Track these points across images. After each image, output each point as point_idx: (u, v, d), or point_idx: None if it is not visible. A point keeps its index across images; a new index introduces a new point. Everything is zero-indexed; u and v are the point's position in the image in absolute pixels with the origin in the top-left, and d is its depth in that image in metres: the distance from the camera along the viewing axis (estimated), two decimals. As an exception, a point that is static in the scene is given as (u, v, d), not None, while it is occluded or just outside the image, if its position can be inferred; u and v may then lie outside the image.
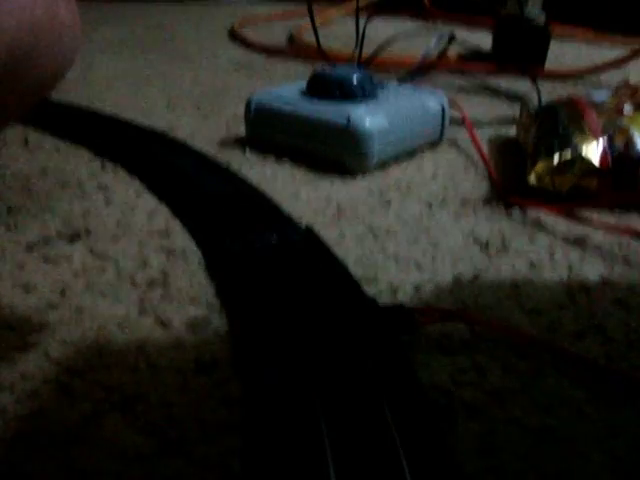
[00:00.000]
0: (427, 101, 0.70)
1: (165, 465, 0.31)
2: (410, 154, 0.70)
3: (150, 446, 0.32)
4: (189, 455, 0.31)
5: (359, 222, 0.55)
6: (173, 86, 1.00)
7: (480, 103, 0.92)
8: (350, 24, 1.21)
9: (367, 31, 0.91)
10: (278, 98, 0.69)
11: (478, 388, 0.36)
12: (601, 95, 0.67)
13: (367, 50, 0.95)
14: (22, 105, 0.50)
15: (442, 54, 0.97)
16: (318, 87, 0.68)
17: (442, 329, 0.41)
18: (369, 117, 0.63)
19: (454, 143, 0.75)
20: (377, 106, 0.66)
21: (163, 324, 0.41)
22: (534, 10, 1.09)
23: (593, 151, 0.58)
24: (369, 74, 0.70)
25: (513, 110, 0.86)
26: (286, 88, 0.73)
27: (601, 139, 0.58)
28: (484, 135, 0.77)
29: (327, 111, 0.65)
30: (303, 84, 0.71)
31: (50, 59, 0.47)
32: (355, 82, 0.67)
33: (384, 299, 0.44)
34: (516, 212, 0.57)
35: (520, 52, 1.06)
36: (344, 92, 0.67)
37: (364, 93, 0.67)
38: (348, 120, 0.62)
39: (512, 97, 0.93)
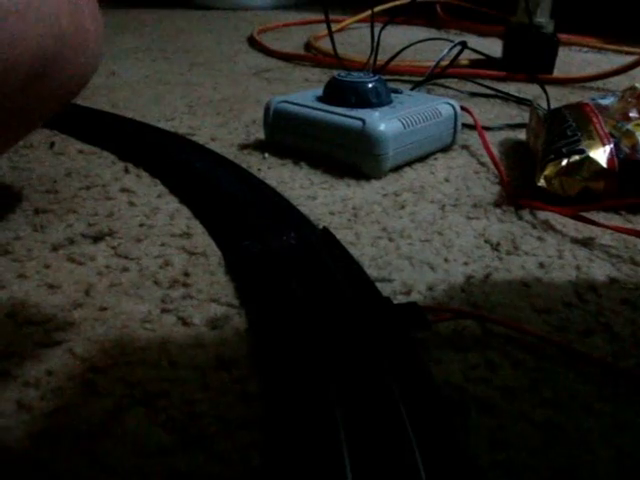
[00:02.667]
0: (440, 107, 0.70)
1: (186, 459, 0.31)
2: (423, 158, 0.71)
3: (171, 441, 0.32)
4: (209, 450, 0.32)
5: (374, 223, 0.56)
6: (194, 92, 1.00)
7: (491, 109, 0.92)
8: (365, 32, 1.22)
9: (381, 38, 0.92)
10: (296, 103, 0.70)
11: (489, 384, 0.37)
12: (608, 100, 0.68)
13: (382, 57, 0.96)
14: (48, 110, 0.51)
15: (454, 61, 0.98)
16: (335, 93, 0.69)
17: (454, 327, 0.42)
18: (384, 122, 0.63)
19: (466, 147, 0.75)
20: (391, 111, 0.66)
21: (184, 322, 0.42)
22: (543, 18, 1.09)
23: (600, 155, 0.58)
24: (384, 81, 0.71)
25: (523, 115, 0.87)
26: (304, 94, 0.73)
27: (608, 143, 0.59)
28: (495, 139, 0.78)
29: (343, 116, 0.65)
30: (320, 90, 0.72)
31: (74, 65, 0.47)
32: (370, 88, 0.68)
33: (398, 298, 0.45)
34: (526, 214, 0.58)
35: (529, 59, 1.07)
36: (360, 98, 0.67)
37: (379, 99, 0.68)
38: (364, 125, 0.63)
39: (522, 103, 0.94)
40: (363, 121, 0.64)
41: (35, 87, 0.45)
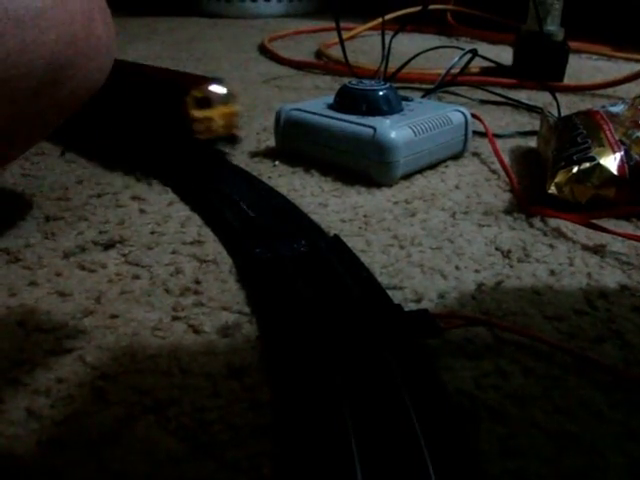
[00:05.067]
0: (450, 114, 0.70)
1: (196, 468, 0.31)
2: (434, 165, 0.71)
3: (182, 449, 0.32)
4: (220, 458, 0.32)
5: (385, 231, 0.56)
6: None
7: (502, 116, 0.92)
8: (375, 40, 1.22)
9: (392, 46, 0.92)
10: (307, 111, 0.70)
11: (500, 392, 0.37)
12: (618, 108, 0.67)
13: (392, 65, 0.96)
14: (59, 117, 0.51)
15: (465, 69, 0.98)
16: (346, 101, 0.69)
17: (466, 334, 0.41)
18: (395, 129, 0.63)
19: (477, 155, 0.75)
20: (402, 119, 0.66)
21: (195, 330, 0.42)
22: (553, 26, 1.09)
23: (611, 162, 0.58)
24: (394, 89, 0.71)
25: (533, 123, 0.87)
26: (314, 102, 0.74)
27: (618, 151, 0.59)
28: (505, 147, 0.78)
29: (354, 124, 0.65)
30: (331, 98, 0.72)
31: (86, 72, 0.48)
32: (381, 96, 0.68)
33: (409, 305, 0.45)
34: (537, 221, 0.58)
35: (540, 67, 1.07)
36: (371, 106, 0.67)
37: (390, 107, 0.68)
38: (375, 132, 0.63)
39: (532, 110, 0.94)
40: (374, 129, 0.63)
41: (47, 94, 0.45)
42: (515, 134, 0.83)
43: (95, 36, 0.47)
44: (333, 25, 0.99)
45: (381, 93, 0.68)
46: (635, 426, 0.34)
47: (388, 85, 0.70)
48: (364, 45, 1.44)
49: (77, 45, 0.45)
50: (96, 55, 0.48)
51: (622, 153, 0.59)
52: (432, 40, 1.55)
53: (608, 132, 0.61)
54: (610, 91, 1.07)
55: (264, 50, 1.41)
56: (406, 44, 1.37)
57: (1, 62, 0.40)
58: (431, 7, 1.54)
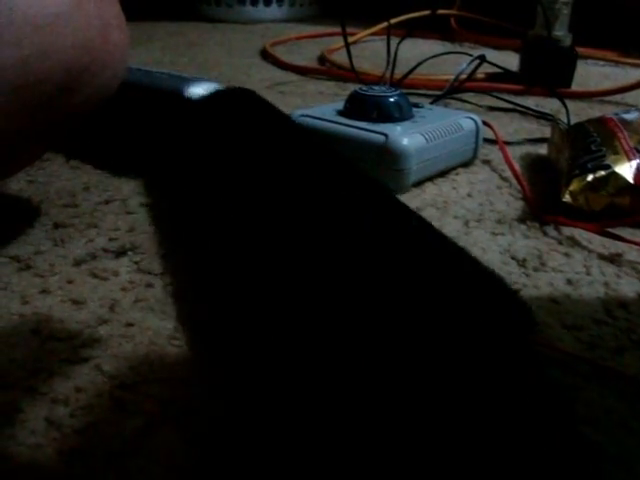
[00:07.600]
0: (461, 121, 0.70)
1: (217, 478, 0.31)
2: (445, 173, 0.70)
3: (202, 459, 0.32)
4: (241, 468, 0.32)
5: (398, 239, 0.55)
6: (208, 105, 0.99)
7: (509, 123, 0.92)
8: (378, 45, 1.21)
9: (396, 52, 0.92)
10: (317, 117, 0.69)
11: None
12: (632, 115, 0.67)
13: (396, 70, 0.96)
14: (72, 123, 0.51)
15: (472, 75, 0.98)
16: (356, 107, 0.69)
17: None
18: (407, 136, 0.63)
19: (487, 162, 0.75)
20: (414, 126, 0.66)
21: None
22: (561, 32, 1.09)
23: (626, 170, 0.58)
24: (405, 95, 0.70)
25: (542, 129, 0.87)
26: (324, 108, 0.73)
27: (634, 158, 0.59)
28: (515, 154, 0.77)
29: (365, 131, 0.65)
30: (340, 104, 0.72)
31: (101, 79, 0.48)
32: (392, 103, 0.68)
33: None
34: (551, 230, 0.58)
35: (547, 73, 1.07)
36: (382, 112, 0.67)
37: (401, 113, 0.68)
38: (386, 139, 0.63)
39: (541, 117, 0.94)
40: (386, 135, 0.63)
41: (61, 100, 0.45)
42: (524, 141, 0.82)
43: (111, 42, 0.47)
44: (334, 30, 0.99)
45: (392, 99, 0.68)
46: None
47: (399, 91, 0.70)
48: (366, 50, 1.44)
49: (93, 51, 0.45)
50: (111, 61, 0.48)
51: (638, 161, 0.59)
52: (435, 45, 1.55)
53: (623, 140, 0.61)
54: (618, 97, 1.07)
55: (266, 55, 1.41)
56: (409, 49, 1.37)
57: (19, 68, 0.40)
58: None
